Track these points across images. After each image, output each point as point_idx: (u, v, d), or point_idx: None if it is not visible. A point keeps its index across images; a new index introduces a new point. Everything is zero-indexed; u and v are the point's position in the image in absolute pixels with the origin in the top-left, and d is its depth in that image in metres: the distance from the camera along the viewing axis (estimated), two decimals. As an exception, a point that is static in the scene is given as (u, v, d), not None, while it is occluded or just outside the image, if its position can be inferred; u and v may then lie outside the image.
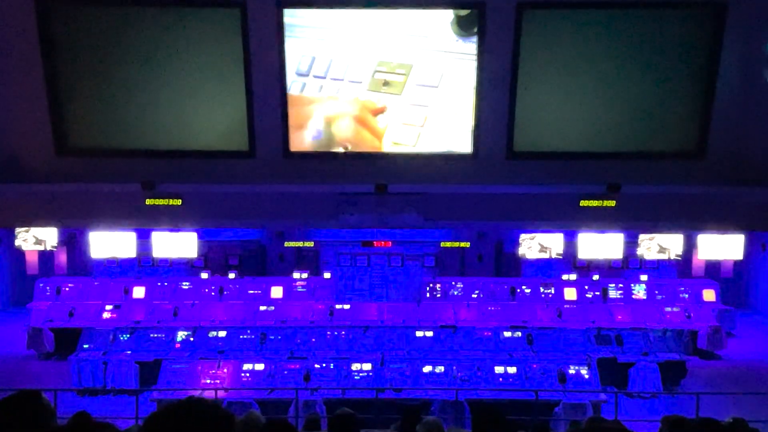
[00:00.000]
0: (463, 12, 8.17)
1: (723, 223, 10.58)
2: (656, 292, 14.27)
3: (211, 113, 8.78)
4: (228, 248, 16.85)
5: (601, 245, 14.16)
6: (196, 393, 9.32)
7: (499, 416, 4.37)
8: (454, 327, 12.24)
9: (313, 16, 8.23)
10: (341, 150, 8.88)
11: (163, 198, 9.73)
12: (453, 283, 14.48)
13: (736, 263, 15.24)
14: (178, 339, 11.83)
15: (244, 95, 8.62)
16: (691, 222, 10.62)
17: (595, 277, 14.67)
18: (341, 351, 11.32)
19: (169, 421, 2.01)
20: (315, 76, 8.52)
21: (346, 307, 13.44)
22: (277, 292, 14.21)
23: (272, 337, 11.78)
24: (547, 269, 15.98)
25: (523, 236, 14.46)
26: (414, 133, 8.88)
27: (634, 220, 10.39)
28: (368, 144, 8.84)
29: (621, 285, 14.31)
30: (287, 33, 8.23)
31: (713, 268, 15.51)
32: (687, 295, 14.24)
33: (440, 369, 10.33)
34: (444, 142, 8.95)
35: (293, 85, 8.53)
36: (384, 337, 11.72)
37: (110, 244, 14.23)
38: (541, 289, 14.14)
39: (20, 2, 8.10)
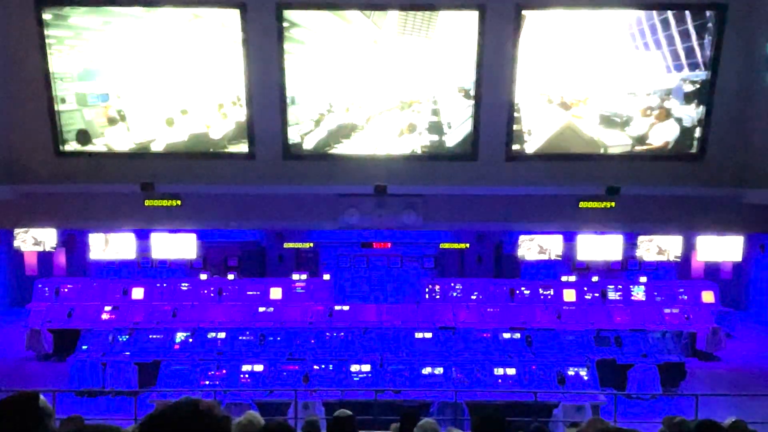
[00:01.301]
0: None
1: (722, 224, 10.59)
2: (655, 293, 14.28)
3: (209, 114, 8.77)
4: (227, 249, 16.84)
5: (600, 247, 14.17)
6: (195, 394, 9.32)
7: (498, 418, 4.37)
8: (453, 328, 12.24)
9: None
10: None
11: (163, 199, 9.72)
12: (452, 284, 14.47)
13: (735, 265, 15.24)
14: (177, 340, 11.82)
15: (244, 96, 8.62)
16: (690, 224, 10.62)
17: (595, 279, 14.67)
18: (340, 352, 11.31)
19: (165, 423, 2.01)
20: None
21: (345, 308, 13.44)
22: (276, 293, 14.20)
23: (271, 339, 11.78)
24: (547, 271, 15.97)
25: (522, 238, 14.46)
26: (413, 135, 8.88)
27: (633, 222, 10.39)
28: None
29: (620, 286, 14.32)
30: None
31: (712, 270, 15.51)
32: (686, 297, 14.25)
33: (439, 370, 10.33)
34: (443, 143, 8.95)
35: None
36: (383, 339, 11.71)
37: (109, 245, 14.23)
38: (540, 291, 14.14)
39: (20, 2, 8.10)
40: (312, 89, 8.61)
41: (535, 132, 8.87)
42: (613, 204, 9.63)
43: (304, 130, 8.84)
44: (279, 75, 8.43)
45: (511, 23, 8.19)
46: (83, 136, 8.82)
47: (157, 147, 8.90)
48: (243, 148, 8.90)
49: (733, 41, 8.24)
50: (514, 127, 8.83)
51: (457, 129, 8.86)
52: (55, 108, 8.64)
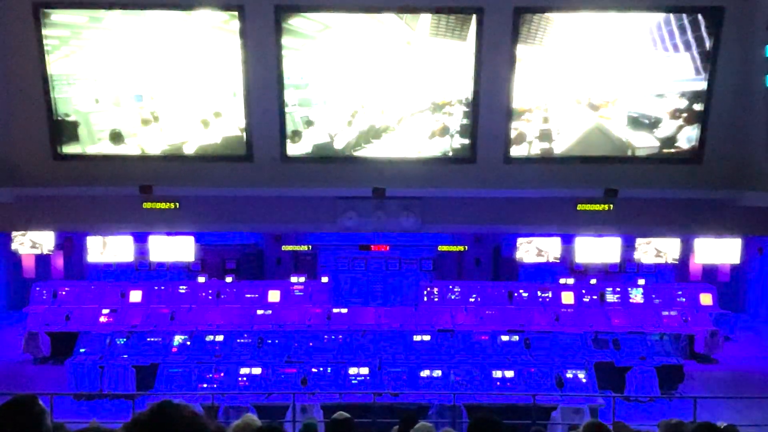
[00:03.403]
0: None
1: (720, 227, 10.59)
2: (653, 296, 14.28)
3: (209, 117, 8.77)
4: (225, 252, 16.81)
5: (598, 249, 14.15)
6: (193, 397, 9.30)
7: (492, 420, 4.36)
8: (451, 331, 12.22)
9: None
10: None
11: (161, 202, 9.71)
12: (450, 287, 14.46)
13: (733, 267, 15.23)
14: (175, 343, 11.80)
15: (242, 99, 8.61)
16: (688, 226, 10.63)
17: (593, 281, 14.66)
18: (339, 355, 11.29)
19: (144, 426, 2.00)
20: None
21: (344, 311, 13.41)
22: (274, 296, 14.18)
23: (269, 341, 11.75)
24: (545, 273, 15.96)
25: (520, 240, 14.45)
26: (444, 138, 8.87)
27: (631, 225, 10.40)
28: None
29: (618, 289, 14.31)
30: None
31: (710, 272, 15.51)
32: (684, 299, 14.25)
33: (438, 373, 10.32)
34: (442, 146, 8.94)
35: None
36: (381, 341, 11.69)
37: (107, 247, 14.20)
38: (539, 293, 14.14)
39: (20, 3, 8.10)
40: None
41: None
42: (610, 206, 9.64)
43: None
44: (277, 78, 8.43)
45: (509, 26, 8.20)
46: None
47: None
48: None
49: (730, 44, 8.26)
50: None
51: (450, 132, 8.85)
52: (53, 111, 8.63)
